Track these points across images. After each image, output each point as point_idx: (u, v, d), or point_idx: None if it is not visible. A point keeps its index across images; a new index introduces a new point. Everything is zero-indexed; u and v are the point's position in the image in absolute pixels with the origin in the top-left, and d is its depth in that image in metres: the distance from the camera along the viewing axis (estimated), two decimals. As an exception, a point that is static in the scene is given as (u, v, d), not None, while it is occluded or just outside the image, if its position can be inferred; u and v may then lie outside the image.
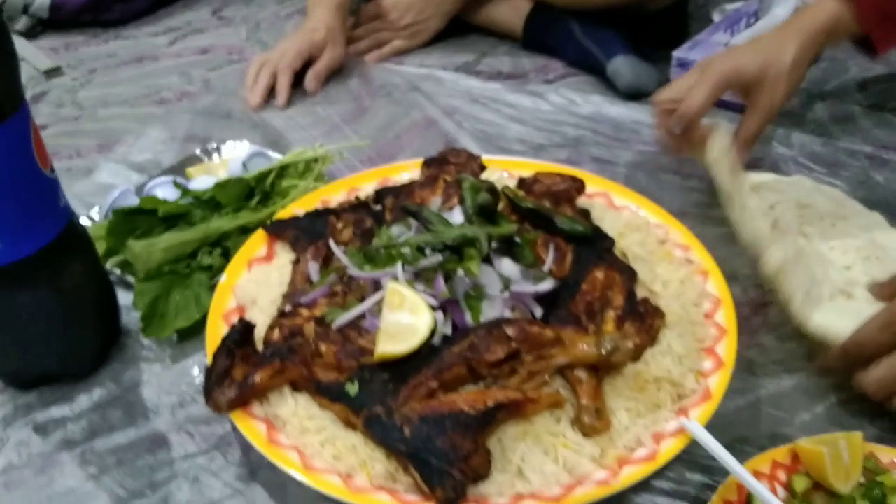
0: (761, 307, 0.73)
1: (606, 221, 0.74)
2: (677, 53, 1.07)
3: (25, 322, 0.62)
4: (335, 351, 0.59)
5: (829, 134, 1.00)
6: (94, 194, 0.92)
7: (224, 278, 0.70)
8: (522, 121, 1.02)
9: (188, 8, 1.43)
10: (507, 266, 0.63)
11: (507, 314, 0.60)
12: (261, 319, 0.65)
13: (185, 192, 0.79)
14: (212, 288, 0.71)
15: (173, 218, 0.77)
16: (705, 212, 0.85)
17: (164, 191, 0.83)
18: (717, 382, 0.59)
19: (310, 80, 1.11)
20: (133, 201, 0.82)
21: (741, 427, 0.62)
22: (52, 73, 1.23)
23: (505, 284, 0.61)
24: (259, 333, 0.63)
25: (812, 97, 1.07)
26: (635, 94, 1.06)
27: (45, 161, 0.60)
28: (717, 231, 0.81)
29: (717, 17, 1.26)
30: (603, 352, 0.57)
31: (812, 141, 0.97)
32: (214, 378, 0.57)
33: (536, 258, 0.65)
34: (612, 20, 1.14)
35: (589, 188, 0.78)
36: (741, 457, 0.55)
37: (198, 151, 0.94)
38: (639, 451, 0.55)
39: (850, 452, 0.55)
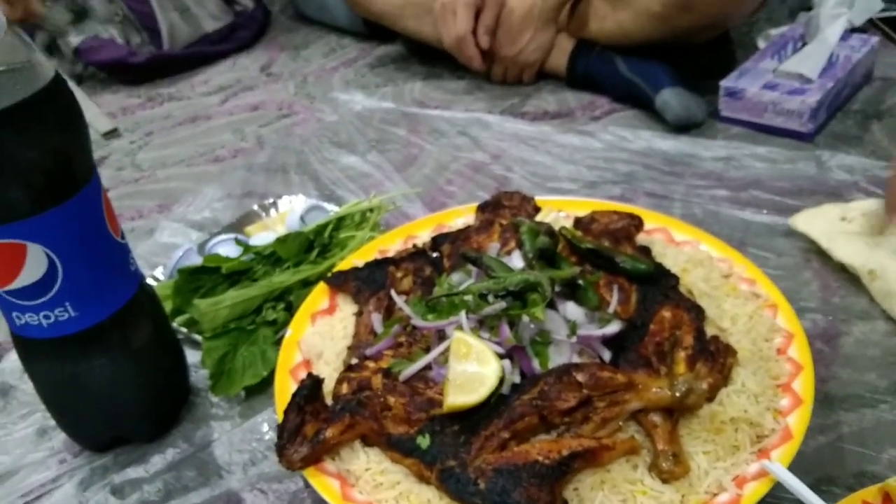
0: (834, 338, 0.71)
1: (668, 258, 0.73)
2: (725, 83, 1.06)
3: (100, 385, 0.64)
4: (404, 403, 0.59)
5: (889, 155, 0.98)
6: (156, 254, 0.94)
7: (289, 333, 0.71)
8: (573, 160, 1.02)
9: (237, 66, 1.47)
10: (572, 310, 0.62)
11: (575, 359, 0.60)
12: (327, 372, 0.65)
13: (247, 248, 0.81)
14: (277, 342, 0.72)
15: (236, 274, 0.78)
16: (767, 243, 0.83)
17: (226, 248, 0.85)
18: (797, 421, 0.57)
19: (482, 35, 1.18)
20: (195, 260, 0.83)
21: (825, 466, 0.60)
22: (111, 134, 1.28)
23: (571, 329, 0.60)
24: (326, 386, 0.63)
25: (868, 118, 1.05)
26: (685, 126, 1.05)
27: (115, 227, 0.62)
28: (779, 262, 0.79)
29: (762, 43, 1.25)
30: (677, 394, 0.56)
31: (873, 164, 0.95)
32: (286, 435, 0.58)
33: (601, 300, 0.64)
34: (655, 53, 1.14)
35: (647, 224, 0.77)
36: (828, 498, 0.53)
37: (255, 207, 0.96)
38: (721, 496, 0.54)
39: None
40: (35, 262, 0.56)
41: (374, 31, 1.42)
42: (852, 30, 1.22)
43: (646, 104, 1.09)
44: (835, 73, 1.04)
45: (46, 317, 0.58)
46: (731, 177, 0.95)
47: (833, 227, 0.80)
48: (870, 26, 1.30)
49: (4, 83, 0.51)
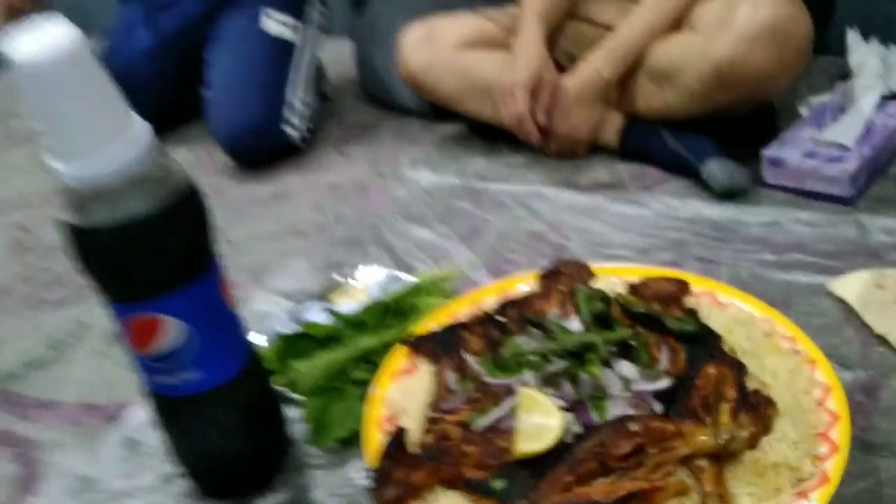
0: (873, 391, 0.77)
1: (713, 319, 0.80)
2: (767, 153, 1.14)
3: (219, 437, 0.75)
4: (479, 451, 0.67)
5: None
6: (251, 321, 1.05)
7: (374, 390, 0.80)
8: (626, 228, 1.11)
9: (316, 148, 1.61)
10: (626, 367, 0.70)
11: (630, 412, 0.67)
12: (411, 426, 0.74)
13: (336, 315, 0.92)
14: (364, 399, 0.81)
15: (327, 339, 0.89)
16: (810, 302, 0.90)
17: (315, 315, 0.95)
18: (834, 465, 0.64)
19: (539, 113, 1.30)
20: (288, 326, 0.94)
21: (864, 509, 0.66)
22: None
23: (625, 385, 0.68)
24: (410, 438, 0.72)
25: (904, 180, 1.11)
26: (730, 194, 1.13)
27: (231, 300, 0.73)
28: (821, 320, 0.86)
29: (804, 111, 1.32)
30: (720, 441, 0.63)
31: (912, 226, 1.01)
32: (379, 479, 0.67)
33: (651, 358, 0.72)
34: (702, 125, 1.23)
35: (694, 288, 0.85)
36: (867, 537, 0.59)
37: (336, 277, 1.08)
38: (764, 533, 0.60)
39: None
40: (171, 332, 0.67)
41: (437, 112, 1.55)
42: (893, 95, 1.30)
43: (693, 174, 1.18)
44: (872, 141, 1.11)
45: (179, 378, 0.70)
46: (775, 241, 1.02)
47: (869, 293, 0.86)
48: (910, 91, 1.36)
49: (156, 190, 0.63)
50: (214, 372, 0.71)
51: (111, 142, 0.60)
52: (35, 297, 1.24)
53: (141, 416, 0.89)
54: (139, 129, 0.63)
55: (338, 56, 1.85)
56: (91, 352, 1.07)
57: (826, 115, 1.20)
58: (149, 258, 0.65)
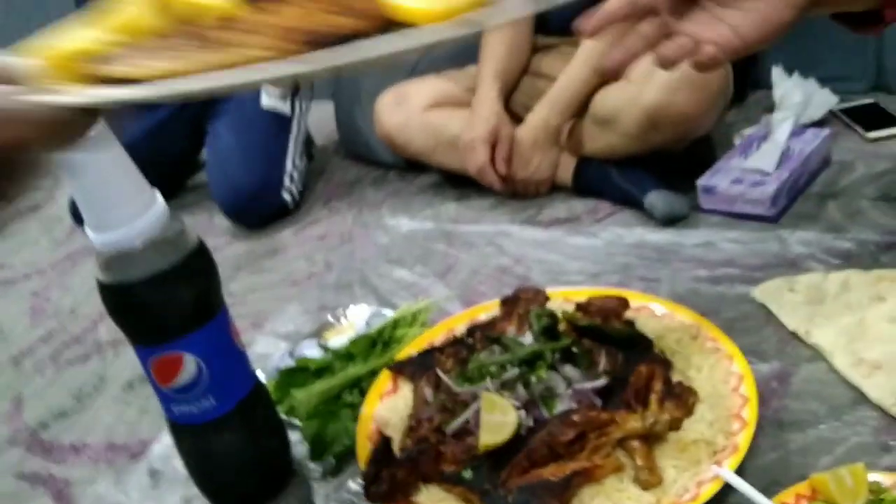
0: (786, 378, 0.90)
1: (648, 328, 0.94)
2: (701, 182, 1.29)
3: (230, 458, 0.87)
4: (452, 449, 0.81)
5: (843, 229, 1.18)
6: (255, 362, 1.18)
7: (364, 410, 0.94)
8: (580, 257, 1.25)
9: (305, 205, 1.76)
10: (569, 370, 0.84)
11: (574, 406, 0.81)
12: (395, 435, 0.88)
13: (327, 350, 1.05)
14: (355, 419, 0.94)
15: (321, 371, 1.02)
16: (735, 307, 1.04)
17: (310, 351, 1.09)
18: (743, 438, 0.77)
19: (499, 164, 1.43)
20: (287, 362, 1.08)
21: (775, 474, 0.78)
22: None
23: (569, 384, 0.82)
24: (396, 444, 0.85)
25: (824, 198, 1.26)
26: (671, 221, 1.28)
27: (238, 338, 0.87)
28: (745, 324, 0.99)
29: (737, 142, 1.48)
30: (647, 424, 0.77)
31: (826, 237, 1.15)
32: (369, 479, 0.80)
33: (592, 362, 0.86)
34: (646, 160, 1.38)
35: (634, 303, 0.99)
36: (774, 496, 0.72)
37: (329, 318, 1.21)
38: (685, 496, 0.73)
39: (854, 479, 0.71)
40: (189, 367, 0.81)
41: (412, 165, 1.71)
42: (814, 123, 1.46)
43: (638, 205, 1.33)
44: (790, 165, 1.27)
45: (196, 406, 0.83)
46: (708, 258, 1.17)
47: (783, 296, 1.00)
48: (831, 117, 1.52)
49: (171, 249, 0.77)
50: (226, 399, 0.84)
51: (134, 214, 0.75)
52: (57, 356, 1.37)
53: (161, 450, 1.02)
54: (155, 201, 0.77)
55: (322, 118, 2.01)
56: (112, 399, 1.20)
57: (752, 145, 1.36)
58: (168, 307, 0.78)
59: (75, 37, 0.51)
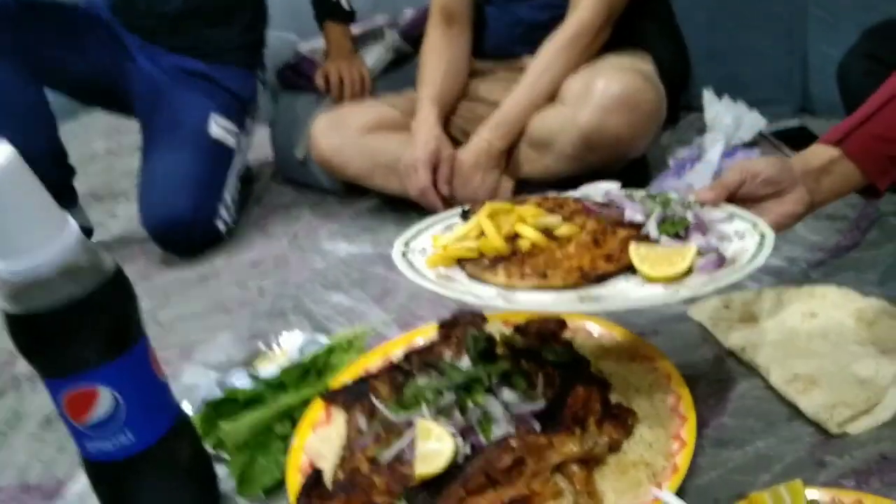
0: (723, 395, 0.90)
1: (586, 348, 0.93)
2: (636, 202, 1.29)
3: (150, 497, 0.82)
4: (386, 480, 0.77)
5: (773, 247, 1.19)
6: (182, 394, 1.12)
7: (295, 442, 0.90)
8: (518, 278, 1.24)
9: (238, 229, 1.72)
10: (507, 394, 0.82)
11: (512, 431, 0.79)
12: (327, 467, 0.84)
13: (257, 380, 1.01)
14: (286, 451, 0.90)
15: (251, 401, 0.97)
16: (674, 327, 1.03)
17: (240, 381, 1.04)
18: (682, 459, 0.76)
19: (441, 185, 1.41)
20: (216, 393, 1.03)
21: (715, 493, 0.77)
22: None
23: (506, 408, 0.79)
24: (328, 477, 0.81)
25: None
26: (608, 240, 1.28)
27: (158, 369, 0.82)
28: (682, 342, 0.99)
29: (671, 163, 1.50)
30: (586, 448, 0.75)
31: (759, 255, 1.17)
32: (299, 514, 0.76)
33: (530, 385, 0.84)
34: (581, 182, 1.38)
35: (571, 324, 0.98)
36: (714, 517, 0.71)
37: (261, 346, 1.17)
38: (626, 520, 0.72)
39: (792, 496, 0.70)
40: (105, 401, 0.76)
41: (350, 189, 1.68)
42: (744, 144, 1.49)
43: (576, 226, 1.32)
44: (722, 185, 1.28)
45: (113, 443, 0.78)
46: (646, 278, 1.17)
47: (718, 314, 1.00)
48: (760, 139, 1.56)
49: (83, 276, 0.73)
50: (146, 434, 0.79)
51: (44, 239, 0.70)
52: (-31, 393, 1.29)
53: (79, 489, 0.96)
54: (67, 225, 0.73)
55: (258, 142, 1.97)
56: (27, 437, 1.12)
57: (686, 166, 1.37)
58: (80, 337, 0.74)
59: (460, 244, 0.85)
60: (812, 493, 0.71)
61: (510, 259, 0.81)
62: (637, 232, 0.84)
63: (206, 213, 1.64)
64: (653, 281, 0.77)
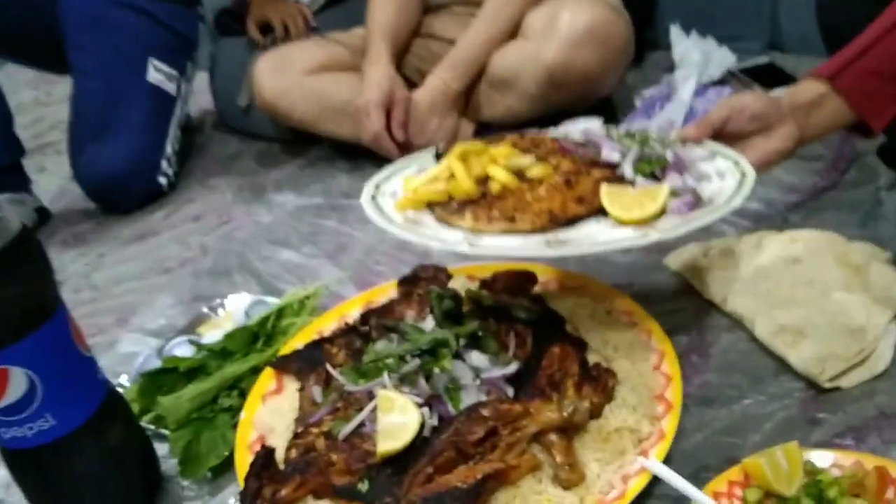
0: (706, 350, 0.84)
1: (559, 303, 0.85)
2: (605, 144, 1.21)
3: (81, 483, 0.73)
4: (345, 458, 0.69)
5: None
6: (119, 364, 1.03)
7: (243, 415, 0.81)
8: (482, 229, 1.16)
9: (178, 183, 1.59)
10: (476, 357, 0.74)
11: (483, 398, 0.71)
12: (280, 443, 0.76)
13: (200, 347, 0.92)
14: (234, 425, 0.82)
15: (193, 371, 0.88)
16: (648, 277, 0.97)
17: (181, 349, 0.95)
18: (669, 423, 0.70)
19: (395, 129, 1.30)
20: (156, 364, 0.93)
21: (703, 458, 0.72)
22: None
23: (475, 373, 0.72)
24: (280, 455, 0.73)
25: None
26: (576, 186, 1.20)
27: (83, 343, 0.73)
28: (659, 294, 0.93)
29: (638, 103, 1.42)
30: (565, 414, 0.68)
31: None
32: (248, 499, 0.68)
33: (501, 346, 0.76)
34: (544, 124, 1.30)
35: (541, 277, 0.91)
36: (704, 483, 0.65)
37: (204, 310, 1.07)
38: (611, 493, 0.65)
39: (789, 460, 0.65)
40: (17, 382, 0.66)
41: (298, 136, 1.57)
42: (714, 82, 1.41)
43: (541, 171, 1.24)
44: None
45: (30, 428, 0.68)
46: (617, 225, 1.10)
47: (696, 263, 0.94)
48: (730, 77, 1.49)
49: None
50: (69, 417, 0.70)
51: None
52: None
53: (4, 477, 0.86)
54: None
55: (197, 89, 1.83)
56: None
57: (655, 105, 1.30)
58: (-18, 310, 0.63)
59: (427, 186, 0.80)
60: (808, 455, 0.66)
61: (479, 202, 0.77)
62: (613, 172, 0.79)
63: (147, 169, 1.51)
64: (624, 224, 0.74)
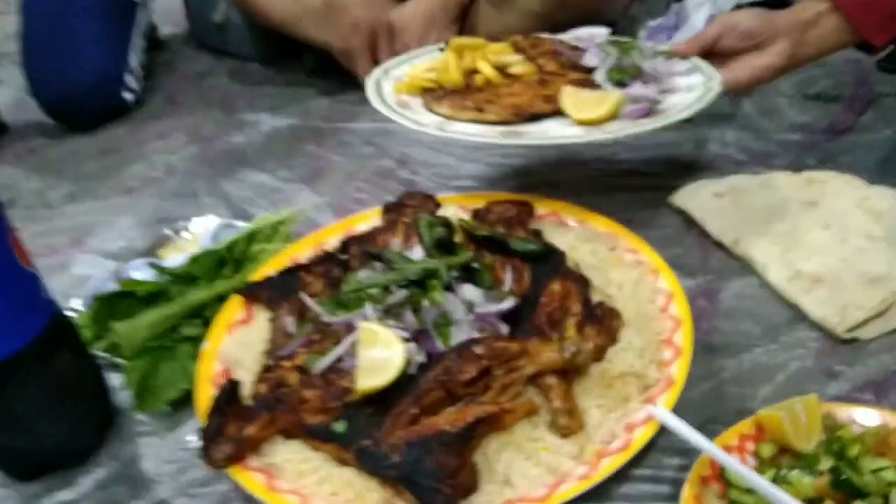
0: (714, 295, 0.78)
1: (557, 237, 0.78)
2: (607, 74, 1.13)
3: (21, 414, 0.65)
4: (319, 395, 0.62)
5: (759, 127, 1.07)
6: (72, 286, 0.94)
7: (207, 345, 0.73)
8: (474, 159, 1.07)
9: (144, 99, 1.47)
10: (469, 291, 0.67)
11: (475, 335, 0.64)
12: (247, 378, 0.68)
13: (161, 270, 0.83)
14: (196, 357, 0.74)
15: (152, 297, 0.80)
16: (650, 214, 0.90)
17: (140, 273, 0.86)
18: (678, 369, 0.64)
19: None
20: (112, 287, 0.85)
21: (710, 409, 0.66)
22: None
23: (469, 308, 0.65)
24: (247, 391, 0.66)
25: (739, 96, 1.14)
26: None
27: (24, 257, 0.64)
28: (662, 232, 0.86)
29: (642, 34, 1.33)
30: (566, 356, 0.61)
31: (745, 137, 1.04)
32: (209, 437, 0.61)
33: (496, 280, 0.69)
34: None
35: (539, 210, 0.83)
36: (712, 435, 0.59)
37: (167, 231, 0.98)
38: (614, 443, 0.59)
39: (808, 414, 0.59)
40: (-56, 297, 0.58)
41: (274, 55, 1.45)
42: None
43: (537, 101, 1.16)
44: (705, 57, 1.13)
45: (-39, 350, 0.60)
46: (619, 161, 1.02)
47: (708, 202, 0.87)
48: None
49: None
50: (8, 339, 0.62)
51: None
52: None
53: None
54: None
55: (168, 6, 1.69)
56: None
57: (662, 35, 1.21)
58: None
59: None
60: (829, 409, 0.60)
61: (461, 92, 0.85)
62: (588, 76, 0.88)
63: (109, 82, 1.39)
64: (578, 123, 0.81)
